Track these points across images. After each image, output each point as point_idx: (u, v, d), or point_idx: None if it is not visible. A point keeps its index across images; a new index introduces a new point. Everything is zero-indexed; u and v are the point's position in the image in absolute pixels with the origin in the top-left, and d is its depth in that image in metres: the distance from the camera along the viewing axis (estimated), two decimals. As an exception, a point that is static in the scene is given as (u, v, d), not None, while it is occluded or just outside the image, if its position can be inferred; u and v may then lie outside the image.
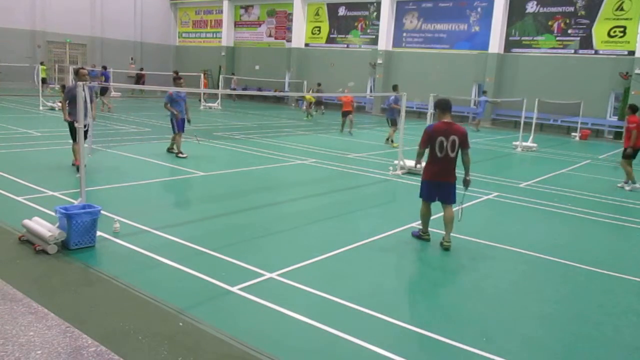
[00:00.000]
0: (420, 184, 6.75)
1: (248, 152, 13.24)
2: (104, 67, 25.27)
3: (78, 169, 9.64)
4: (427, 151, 6.57)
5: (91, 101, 9.75)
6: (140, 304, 4.47)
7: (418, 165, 7.04)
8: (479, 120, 24.11)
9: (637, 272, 6.07)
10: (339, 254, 6.02)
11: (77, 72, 8.95)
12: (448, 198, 6.52)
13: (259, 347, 3.85)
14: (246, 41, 37.25)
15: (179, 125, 11.74)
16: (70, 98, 9.54)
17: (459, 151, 6.39)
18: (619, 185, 11.42)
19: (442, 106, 6.50)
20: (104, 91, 21.01)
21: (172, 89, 11.41)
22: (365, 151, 14.79)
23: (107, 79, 23.32)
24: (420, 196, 6.68)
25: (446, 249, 6.39)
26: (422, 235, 6.74)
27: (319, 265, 5.65)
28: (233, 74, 34.78)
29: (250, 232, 6.76)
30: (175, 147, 11.91)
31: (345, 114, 18.82)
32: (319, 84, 28.58)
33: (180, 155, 11.66)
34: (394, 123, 16.36)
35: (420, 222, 6.83)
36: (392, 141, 16.26)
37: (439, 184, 6.50)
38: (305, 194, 9.25)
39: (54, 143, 12.51)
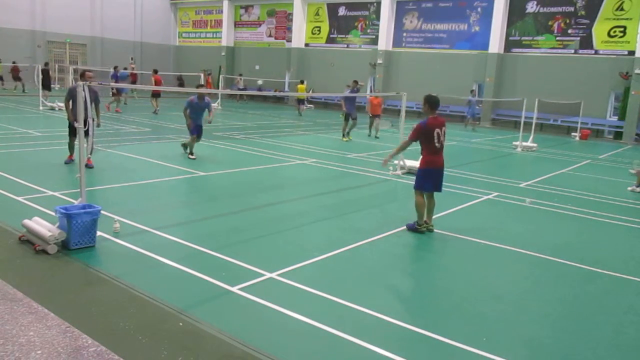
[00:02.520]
0: (418, 176, 7.10)
1: (248, 152, 13.24)
2: (115, 68, 25.36)
3: (87, 166, 9.79)
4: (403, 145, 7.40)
5: (97, 103, 9.87)
6: (140, 304, 4.46)
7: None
8: (468, 120, 24.12)
9: (637, 272, 6.08)
10: (339, 254, 6.02)
11: (82, 75, 9.06)
12: (440, 186, 7.10)
13: (259, 347, 3.85)
14: (246, 41, 37.26)
15: (192, 131, 11.71)
16: (71, 98, 9.55)
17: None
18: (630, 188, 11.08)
19: (434, 104, 7.05)
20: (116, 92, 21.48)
21: (197, 92, 11.59)
22: (365, 151, 14.79)
23: (116, 81, 23.57)
24: (419, 188, 7.03)
25: (431, 230, 7.06)
26: (418, 228, 6.96)
27: (319, 265, 5.65)
28: (240, 74, 34.44)
29: (250, 232, 6.76)
30: (188, 146, 11.91)
31: (373, 117, 18.50)
32: (349, 85, 28.00)
33: (190, 156, 11.68)
34: (346, 117, 17.02)
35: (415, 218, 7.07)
36: (343, 135, 16.94)
37: (438, 172, 7.02)
38: (305, 194, 9.25)
39: (54, 143, 12.50)
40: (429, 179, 7.01)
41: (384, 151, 14.84)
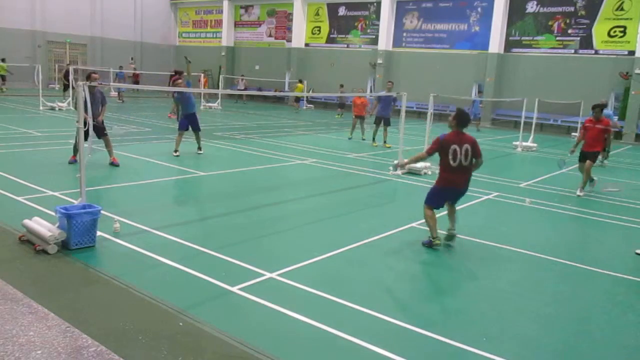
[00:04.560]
0: (430, 191, 6.58)
1: (248, 152, 13.24)
2: (179, 73, 25.04)
3: (111, 164, 10.15)
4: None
5: (102, 104, 10.06)
6: (140, 304, 4.47)
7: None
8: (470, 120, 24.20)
9: (637, 272, 6.08)
10: (339, 254, 6.02)
11: (88, 77, 9.20)
12: (455, 200, 6.67)
13: (259, 347, 3.85)
14: (246, 41, 37.25)
15: (180, 125, 12.00)
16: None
17: (472, 160, 6.38)
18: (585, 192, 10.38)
19: (464, 122, 6.39)
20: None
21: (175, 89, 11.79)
22: (365, 151, 14.79)
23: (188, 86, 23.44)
24: (427, 202, 6.51)
25: (452, 236, 6.58)
26: (433, 242, 6.42)
27: (319, 265, 5.65)
28: (242, 75, 34.32)
29: (250, 232, 6.76)
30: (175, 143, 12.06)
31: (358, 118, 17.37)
32: (342, 85, 27.76)
33: (174, 153, 11.80)
34: (378, 122, 15.93)
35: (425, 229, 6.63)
36: (384, 142, 15.88)
37: (453, 190, 6.48)
38: (305, 194, 9.25)
39: (54, 143, 12.51)
40: (440, 197, 6.50)
41: (383, 151, 14.85)
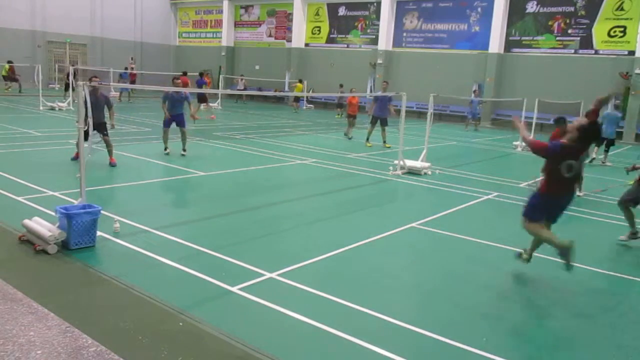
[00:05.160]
0: (530, 201, 5.68)
1: (248, 152, 13.24)
2: (201, 74, 24.73)
3: (110, 164, 10.20)
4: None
5: (109, 107, 10.19)
6: (140, 304, 4.47)
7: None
8: (469, 120, 24.31)
9: (637, 272, 6.08)
10: (339, 254, 6.02)
11: (90, 80, 9.26)
12: (559, 214, 5.66)
13: (259, 347, 3.85)
14: (246, 41, 37.25)
15: (164, 123, 11.95)
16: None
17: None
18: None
19: (591, 139, 5.40)
20: (202, 99, 20.93)
21: (171, 89, 11.70)
22: (365, 151, 14.78)
23: (200, 86, 23.34)
24: (529, 215, 5.53)
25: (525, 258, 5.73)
26: (566, 250, 5.22)
27: (319, 265, 5.66)
28: (242, 75, 34.34)
29: (250, 232, 6.76)
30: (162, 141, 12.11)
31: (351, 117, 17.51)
32: (342, 85, 27.83)
33: (165, 151, 11.93)
34: (374, 122, 15.84)
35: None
36: (384, 142, 15.81)
37: (563, 198, 5.53)
38: (306, 194, 9.25)
39: (54, 143, 12.51)
40: (545, 207, 5.58)
41: (383, 151, 14.84)
